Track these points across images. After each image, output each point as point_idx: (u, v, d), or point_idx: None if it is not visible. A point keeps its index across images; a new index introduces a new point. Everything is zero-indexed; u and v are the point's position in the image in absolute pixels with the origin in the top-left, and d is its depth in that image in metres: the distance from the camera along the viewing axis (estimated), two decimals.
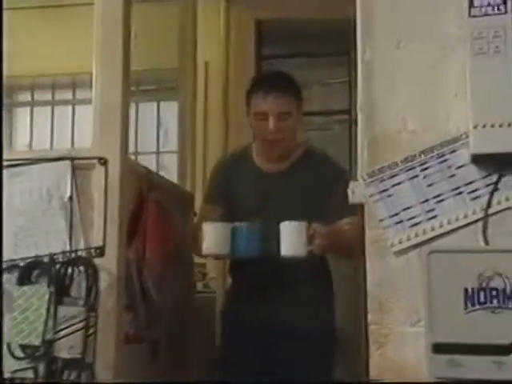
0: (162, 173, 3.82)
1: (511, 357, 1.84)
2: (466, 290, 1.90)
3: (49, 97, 4.52)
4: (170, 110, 4.15)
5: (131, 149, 3.49)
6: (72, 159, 2.42)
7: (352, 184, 2.14)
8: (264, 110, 2.43)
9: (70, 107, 4.45)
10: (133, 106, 3.82)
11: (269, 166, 2.54)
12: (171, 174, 3.69)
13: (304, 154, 2.55)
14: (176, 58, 3.93)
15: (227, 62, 4.06)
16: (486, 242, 1.97)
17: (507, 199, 1.99)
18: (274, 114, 2.41)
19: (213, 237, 2.27)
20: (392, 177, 2.05)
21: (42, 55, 4.05)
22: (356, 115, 2.24)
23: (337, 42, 3.84)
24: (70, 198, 2.40)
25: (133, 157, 3.92)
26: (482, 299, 1.89)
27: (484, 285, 1.90)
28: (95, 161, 2.41)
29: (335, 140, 3.97)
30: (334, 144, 3.95)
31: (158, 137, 4.20)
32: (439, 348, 1.88)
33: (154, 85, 4.30)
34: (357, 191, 2.11)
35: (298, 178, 2.49)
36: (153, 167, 4.08)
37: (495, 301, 1.89)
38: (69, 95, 4.48)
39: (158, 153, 4.14)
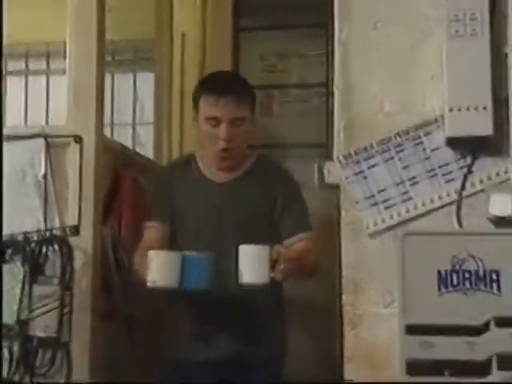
0: (137, 146, 3.80)
1: (482, 337, 1.87)
2: (439, 272, 1.92)
3: (22, 66, 4.44)
4: (146, 82, 4.10)
5: (106, 120, 3.45)
6: (46, 137, 2.39)
7: (328, 164, 2.14)
8: (216, 116, 2.14)
9: (44, 77, 4.39)
10: (108, 77, 3.76)
11: (218, 176, 2.24)
12: (147, 147, 3.66)
13: (256, 163, 2.27)
14: (152, 28, 3.88)
15: (204, 33, 4.00)
16: (460, 224, 1.99)
17: (481, 181, 2.01)
18: (226, 119, 2.13)
19: (160, 267, 1.97)
20: (367, 159, 2.05)
21: (14, 24, 3.97)
22: (333, 88, 2.24)
23: (315, 14, 3.80)
24: (45, 176, 2.38)
25: (108, 128, 3.88)
26: (454, 281, 1.92)
27: (457, 267, 1.92)
28: (70, 138, 2.38)
29: (313, 113, 3.95)
30: (312, 117, 3.93)
31: (134, 108, 4.16)
32: (412, 329, 1.90)
33: (129, 55, 4.24)
34: (332, 171, 2.11)
35: (250, 188, 2.22)
36: (128, 139, 4.04)
37: (468, 283, 1.91)
38: (43, 65, 4.41)
39: (133, 125, 4.10)
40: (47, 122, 4.01)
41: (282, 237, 2.19)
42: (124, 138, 4.05)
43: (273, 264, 1.97)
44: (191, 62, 4.01)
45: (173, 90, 3.97)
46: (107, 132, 3.48)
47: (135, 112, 4.14)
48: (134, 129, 4.10)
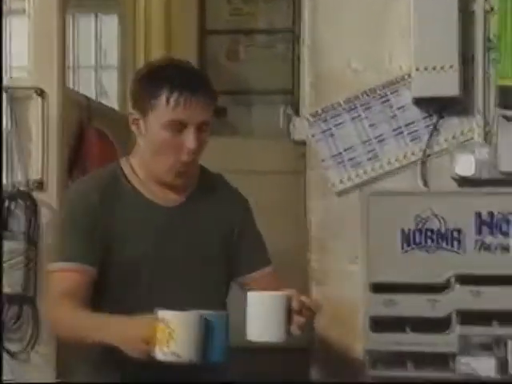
0: (101, 95, 3.73)
1: (444, 295, 1.92)
2: (403, 231, 1.96)
3: None
4: (109, 24, 4.01)
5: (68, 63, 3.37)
6: (8, 89, 2.34)
7: (294, 120, 2.14)
8: (182, 119, 1.66)
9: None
10: (69, 18, 3.67)
11: (162, 196, 1.72)
12: (111, 94, 3.60)
13: (201, 179, 1.80)
14: None
15: None
16: (425, 183, 2.01)
17: (446, 140, 2.02)
18: (195, 124, 1.66)
19: (186, 336, 1.44)
20: (335, 117, 2.05)
21: None
22: (300, 33, 2.22)
23: None
24: (7, 129, 2.34)
25: (71, 72, 3.80)
26: (418, 240, 1.95)
27: (420, 226, 1.95)
28: (32, 91, 2.34)
29: (278, 58, 3.92)
30: (277, 62, 3.90)
31: (96, 52, 4.07)
32: (376, 287, 1.94)
33: None
34: (299, 128, 2.11)
35: (204, 213, 1.76)
36: (91, 84, 3.97)
37: (430, 241, 1.95)
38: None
39: (96, 69, 4.02)
40: (7, 69, 3.91)
41: (241, 269, 1.79)
42: (87, 82, 3.99)
43: (288, 315, 1.52)
44: (156, 3, 3.92)
45: (136, 33, 3.88)
46: (70, 77, 3.42)
47: (98, 56, 4.06)
48: (96, 74, 4.02)
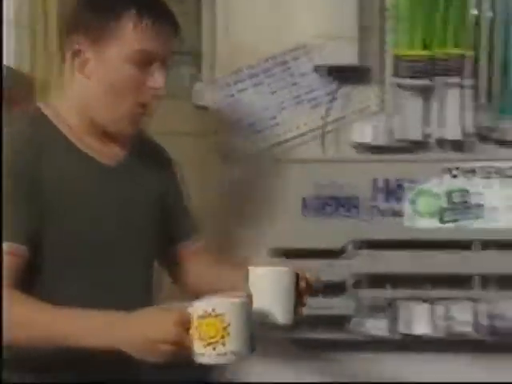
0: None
1: (341, 259, 1.98)
2: (303, 198, 2.00)
3: None
4: None
5: None
6: None
7: (197, 85, 2.14)
8: (151, 50, 1.32)
9: None
10: None
11: (101, 150, 1.39)
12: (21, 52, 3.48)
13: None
14: None
15: None
16: (324, 151, 2.05)
17: (345, 108, 2.06)
18: (162, 58, 1.34)
19: (241, 329, 1.15)
20: (237, 83, 2.06)
21: None
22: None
23: None
24: None
25: None
26: (317, 206, 2.00)
27: (320, 193, 2.00)
28: None
29: (186, 19, 3.86)
30: (185, 22, 3.85)
31: (7, 9, 3.91)
32: (276, 252, 1.98)
33: None
34: (202, 92, 2.11)
35: (144, 173, 1.46)
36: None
37: (329, 208, 2.00)
38: None
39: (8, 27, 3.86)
40: None
41: (174, 238, 1.54)
42: None
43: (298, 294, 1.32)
44: None
45: None
46: None
47: (7, 14, 3.90)
48: (9, 33, 3.87)
